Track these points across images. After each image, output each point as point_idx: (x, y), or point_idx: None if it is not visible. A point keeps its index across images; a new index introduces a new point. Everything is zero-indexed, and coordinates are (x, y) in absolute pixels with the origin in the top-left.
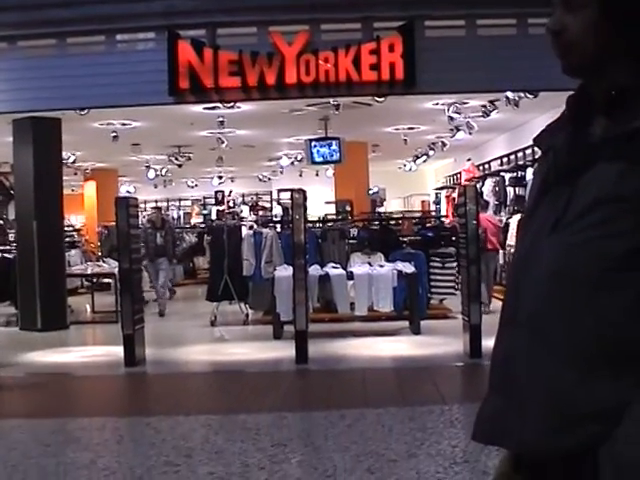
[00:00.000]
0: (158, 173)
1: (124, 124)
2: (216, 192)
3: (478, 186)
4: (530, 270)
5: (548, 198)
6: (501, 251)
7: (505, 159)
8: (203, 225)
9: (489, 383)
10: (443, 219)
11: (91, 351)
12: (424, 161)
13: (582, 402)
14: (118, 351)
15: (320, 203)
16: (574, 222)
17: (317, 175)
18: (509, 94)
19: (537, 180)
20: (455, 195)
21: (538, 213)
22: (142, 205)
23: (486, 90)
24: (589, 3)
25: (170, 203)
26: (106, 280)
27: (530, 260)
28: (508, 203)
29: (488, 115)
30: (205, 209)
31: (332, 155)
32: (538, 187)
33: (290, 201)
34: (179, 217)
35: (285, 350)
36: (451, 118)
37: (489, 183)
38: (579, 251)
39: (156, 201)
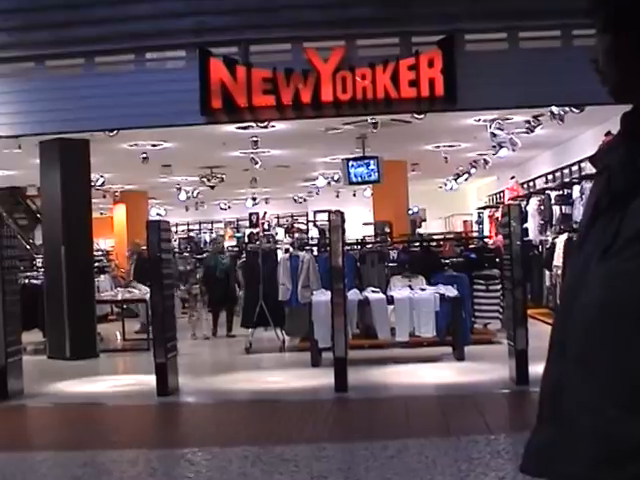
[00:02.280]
0: (189, 195)
1: (154, 145)
2: (250, 214)
3: (522, 205)
4: (578, 299)
5: (599, 223)
6: (547, 272)
7: (550, 176)
8: (237, 248)
9: (538, 413)
10: (486, 240)
11: (122, 380)
12: (465, 180)
13: (630, 438)
14: (150, 380)
15: (358, 224)
16: (623, 249)
17: (354, 195)
18: (554, 109)
19: (590, 202)
20: (498, 215)
21: (589, 239)
22: (173, 228)
23: (530, 105)
24: (607, 28)
25: (202, 226)
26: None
27: (578, 289)
28: (554, 222)
29: (532, 131)
30: (238, 232)
31: (370, 175)
32: (590, 211)
33: (327, 223)
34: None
35: (324, 378)
36: (493, 135)
37: (534, 202)
38: (626, 281)
39: (188, 224)
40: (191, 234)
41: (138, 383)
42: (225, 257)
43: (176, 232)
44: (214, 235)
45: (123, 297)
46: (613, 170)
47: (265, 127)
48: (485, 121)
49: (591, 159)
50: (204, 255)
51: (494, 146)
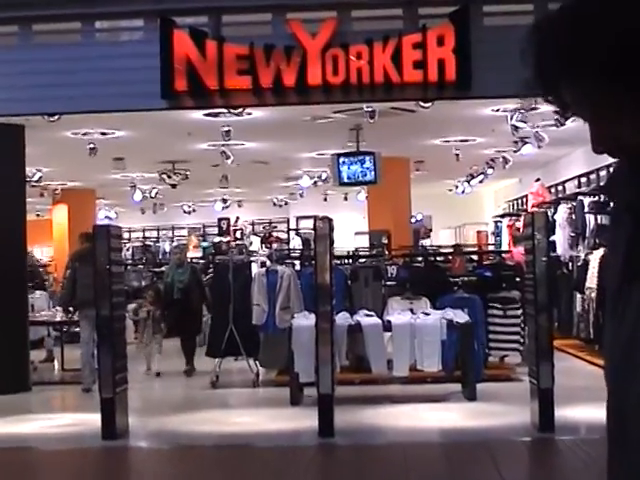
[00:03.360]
0: (146, 195)
1: (104, 134)
2: (219, 219)
3: (549, 213)
4: (635, 382)
5: (638, 287)
6: (578, 296)
7: (584, 179)
8: (202, 261)
9: None
10: (505, 255)
11: (59, 419)
12: (480, 182)
13: None
14: (94, 419)
15: (350, 234)
16: None
17: (346, 199)
18: None
19: (619, 250)
20: (520, 224)
21: (628, 300)
22: (126, 235)
23: None
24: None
25: (161, 233)
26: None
27: (631, 369)
28: (587, 235)
29: (562, 124)
30: (205, 240)
31: (365, 174)
32: (621, 265)
33: (312, 231)
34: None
35: (305, 419)
36: (515, 128)
37: (563, 209)
38: None
39: (144, 230)
40: (147, 242)
41: (79, 423)
42: (184, 271)
43: (129, 240)
44: (175, 244)
45: (63, 318)
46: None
47: (239, 115)
48: (505, 111)
49: (605, 190)
50: (163, 268)
51: (516, 142)
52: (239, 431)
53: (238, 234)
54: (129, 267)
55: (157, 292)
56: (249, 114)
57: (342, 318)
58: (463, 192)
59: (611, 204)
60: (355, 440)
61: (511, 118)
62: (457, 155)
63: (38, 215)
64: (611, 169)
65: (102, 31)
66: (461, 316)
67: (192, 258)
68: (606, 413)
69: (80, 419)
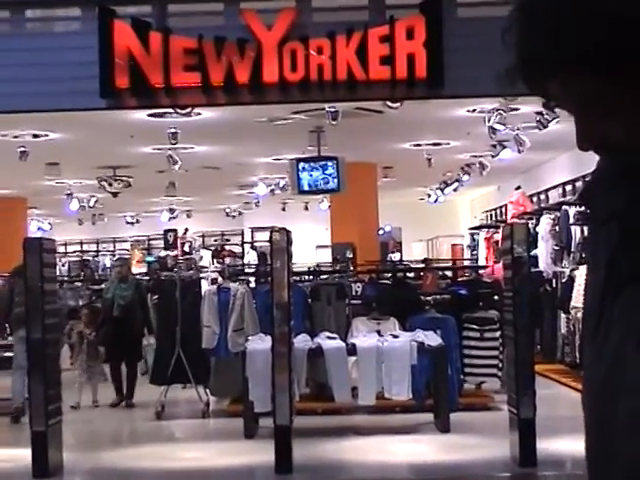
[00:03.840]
0: (84, 205)
1: (36, 136)
2: (166, 231)
3: (531, 225)
4: (617, 412)
5: (623, 298)
6: (563, 316)
7: (569, 187)
8: (147, 277)
9: None
10: (482, 271)
11: None
12: (455, 190)
13: None
14: (23, 455)
15: (311, 247)
16: None
17: (307, 209)
18: None
19: (598, 265)
20: (498, 237)
21: (610, 321)
22: (61, 248)
23: None
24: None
25: (101, 246)
26: (8, 354)
27: (613, 395)
28: (573, 248)
29: (545, 126)
30: (150, 255)
31: (327, 181)
32: (602, 282)
33: (269, 245)
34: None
35: (261, 454)
36: (493, 130)
37: (546, 220)
38: None
39: (81, 243)
40: (86, 257)
41: (7, 459)
42: (128, 287)
43: (65, 254)
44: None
45: None
46: (629, 220)
47: (187, 115)
48: (482, 112)
49: (584, 197)
50: (103, 285)
51: (494, 145)
52: (187, 467)
53: (186, 247)
54: (65, 284)
55: (93, 312)
56: (198, 114)
57: (302, 341)
58: (436, 201)
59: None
60: (316, 477)
61: (489, 119)
62: (429, 160)
63: None
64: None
65: (34, 21)
66: (433, 338)
67: (136, 274)
68: (585, 443)
69: (8, 455)
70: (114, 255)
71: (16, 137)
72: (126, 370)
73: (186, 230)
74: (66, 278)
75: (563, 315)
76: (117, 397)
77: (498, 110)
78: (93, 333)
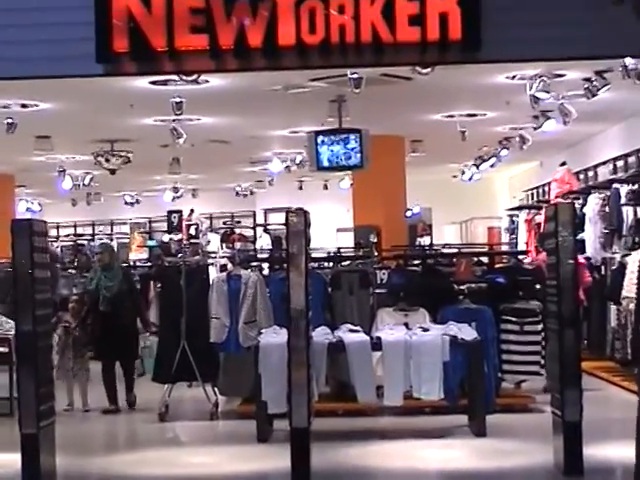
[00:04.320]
0: (78, 183)
1: (24, 106)
2: (169, 213)
3: (577, 205)
4: None
5: None
6: (613, 307)
7: (620, 163)
8: (149, 264)
9: None
10: (521, 256)
11: None
12: (492, 166)
13: None
14: (12, 460)
15: (331, 230)
16: None
17: (326, 188)
18: (629, 61)
19: None
20: (540, 219)
21: None
22: (53, 232)
23: (592, 55)
24: None
25: (97, 229)
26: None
27: None
28: (624, 231)
29: (594, 94)
30: (152, 239)
31: (349, 157)
32: None
33: (284, 227)
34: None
35: (275, 459)
36: (536, 99)
37: (595, 200)
38: None
39: (75, 226)
40: (80, 241)
41: None
42: (113, 276)
43: (57, 238)
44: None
45: None
46: None
47: (194, 82)
48: (523, 79)
49: None
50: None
51: (536, 116)
52: (193, 474)
53: (192, 231)
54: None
55: (78, 302)
56: (206, 82)
57: (321, 334)
58: (470, 179)
59: None
60: None
61: (530, 87)
62: (463, 133)
63: None
64: None
65: None
66: (467, 332)
67: (135, 260)
68: (637, 450)
69: None
70: (111, 239)
71: (2, 107)
72: (122, 369)
73: (192, 211)
74: (58, 265)
75: (613, 306)
76: (110, 405)
77: (541, 76)
78: (71, 326)
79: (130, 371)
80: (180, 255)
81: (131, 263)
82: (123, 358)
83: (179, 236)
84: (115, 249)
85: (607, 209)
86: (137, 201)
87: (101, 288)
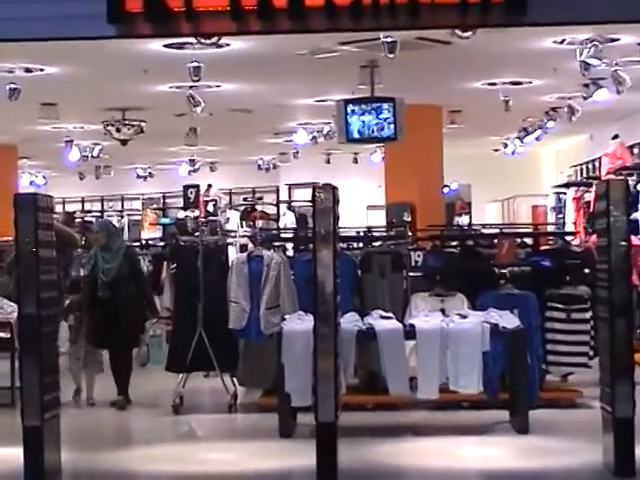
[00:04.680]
0: (86, 154)
1: (29, 70)
2: (185, 188)
3: (631, 182)
4: None
5: None
6: None
7: None
8: (162, 243)
9: None
10: (569, 238)
11: None
12: (538, 139)
13: None
14: (14, 455)
15: (361, 208)
16: None
17: (356, 162)
18: None
19: None
20: (590, 197)
21: None
22: (59, 207)
23: None
24: None
25: (107, 205)
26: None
27: None
28: None
29: None
30: (166, 216)
31: (382, 128)
32: None
33: (310, 205)
34: (121, 229)
35: (299, 456)
36: (586, 66)
37: None
38: None
39: (83, 201)
40: (88, 218)
41: None
42: (112, 257)
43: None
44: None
45: None
46: None
47: (213, 46)
48: (573, 43)
49: None
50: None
51: (587, 85)
52: (210, 472)
53: (210, 207)
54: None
55: (73, 286)
56: (226, 45)
57: (349, 321)
58: (514, 153)
59: None
60: None
61: (581, 53)
62: (506, 103)
63: None
64: None
65: None
66: (509, 319)
67: (147, 239)
68: None
69: None
70: (122, 216)
71: (4, 72)
72: (117, 360)
73: (209, 186)
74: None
75: None
76: (119, 396)
77: (593, 41)
78: (78, 313)
79: (127, 364)
80: (197, 234)
81: (143, 242)
82: (121, 346)
83: (196, 213)
84: (116, 227)
85: None
86: (150, 175)
87: (98, 272)
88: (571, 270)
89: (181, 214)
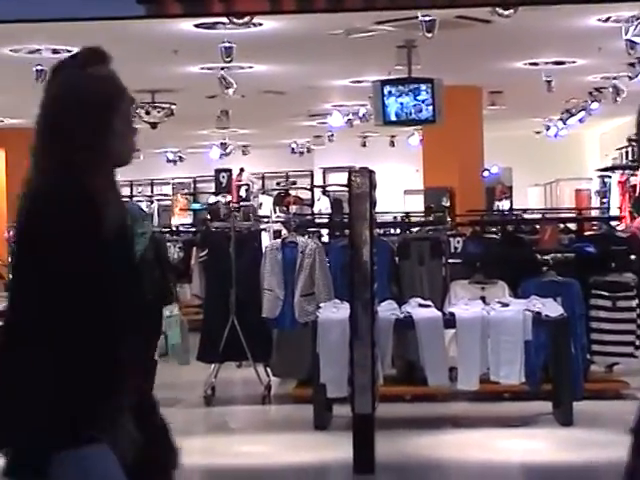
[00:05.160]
0: None
1: (56, 52)
2: (217, 172)
3: None
4: None
5: None
6: None
7: None
8: (193, 229)
9: None
10: (614, 222)
11: None
12: (581, 121)
13: None
14: None
15: (398, 193)
16: None
17: (393, 145)
18: None
19: None
20: (637, 181)
21: None
22: None
23: None
24: None
25: (136, 190)
26: None
27: None
28: None
29: None
30: (197, 201)
31: (419, 110)
32: None
33: (346, 189)
34: (151, 214)
35: (335, 449)
36: (632, 44)
37: None
38: None
39: None
40: None
41: None
42: (136, 241)
43: None
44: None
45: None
46: None
47: (246, 26)
48: (619, 21)
49: None
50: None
51: (632, 64)
52: (243, 464)
53: (243, 192)
54: None
55: None
56: (259, 25)
57: (387, 309)
58: (556, 135)
59: None
60: (403, 478)
61: (627, 31)
62: (549, 83)
63: None
64: None
65: None
66: (552, 308)
67: (178, 226)
68: None
69: None
70: (152, 202)
71: (31, 53)
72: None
73: (242, 170)
74: None
75: None
76: None
77: (639, 19)
78: None
79: (152, 362)
80: (229, 220)
81: (173, 228)
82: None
83: (228, 198)
84: (142, 211)
85: None
86: (180, 159)
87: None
88: (616, 256)
89: (212, 199)
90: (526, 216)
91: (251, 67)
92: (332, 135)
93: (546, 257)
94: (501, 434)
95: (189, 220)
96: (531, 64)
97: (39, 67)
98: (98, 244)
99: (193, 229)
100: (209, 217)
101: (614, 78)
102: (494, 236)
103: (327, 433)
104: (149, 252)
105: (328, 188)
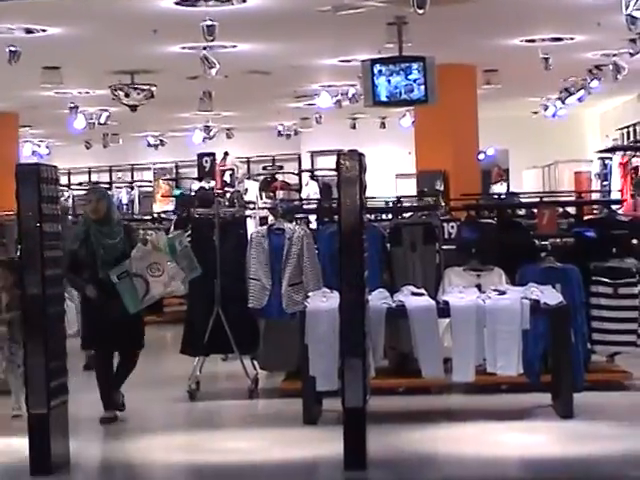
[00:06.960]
0: (93, 121)
1: (29, 31)
2: (200, 156)
3: None
4: None
5: None
6: None
7: None
8: (175, 216)
9: None
10: (615, 206)
11: None
12: (580, 100)
13: None
14: (19, 446)
15: (390, 177)
16: None
17: (384, 126)
18: None
19: None
20: (639, 162)
21: None
22: (64, 179)
23: None
24: None
25: (115, 175)
26: None
27: None
28: None
29: None
30: (179, 187)
31: (411, 89)
32: None
33: (335, 173)
34: (131, 201)
35: (325, 445)
36: (633, 19)
37: None
38: None
39: (89, 172)
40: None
41: None
42: (113, 232)
43: (68, 187)
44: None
45: None
46: None
47: (229, 2)
48: None
49: None
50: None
51: (633, 40)
52: (229, 461)
53: (227, 177)
54: (69, 225)
55: (10, 267)
56: (242, 2)
57: (378, 298)
58: (554, 115)
59: None
60: (396, 475)
61: (627, 6)
62: (546, 61)
63: None
64: None
65: None
66: (551, 295)
67: (159, 213)
68: None
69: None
70: (132, 188)
71: (3, 33)
72: (120, 360)
73: (226, 155)
74: (71, 217)
75: None
76: (107, 412)
77: None
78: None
79: (131, 364)
80: (213, 206)
81: (155, 216)
82: (126, 346)
83: (212, 184)
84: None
85: None
86: (161, 143)
87: (98, 248)
88: (618, 241)
89: (195, 185)
90: (523, 200)
91: (235, 46)
92: (320, 117)
93: (544, 242)
94: (498, 427)
95: (171, 207)
96: (527, 41)
97: (12, 48)
98: None
99: (176, 216)
100: (196, 203)
101: (614, 55)
102: (490, 221)
103: (317, 428)
104: (127, 244)
105: (316, 172)
